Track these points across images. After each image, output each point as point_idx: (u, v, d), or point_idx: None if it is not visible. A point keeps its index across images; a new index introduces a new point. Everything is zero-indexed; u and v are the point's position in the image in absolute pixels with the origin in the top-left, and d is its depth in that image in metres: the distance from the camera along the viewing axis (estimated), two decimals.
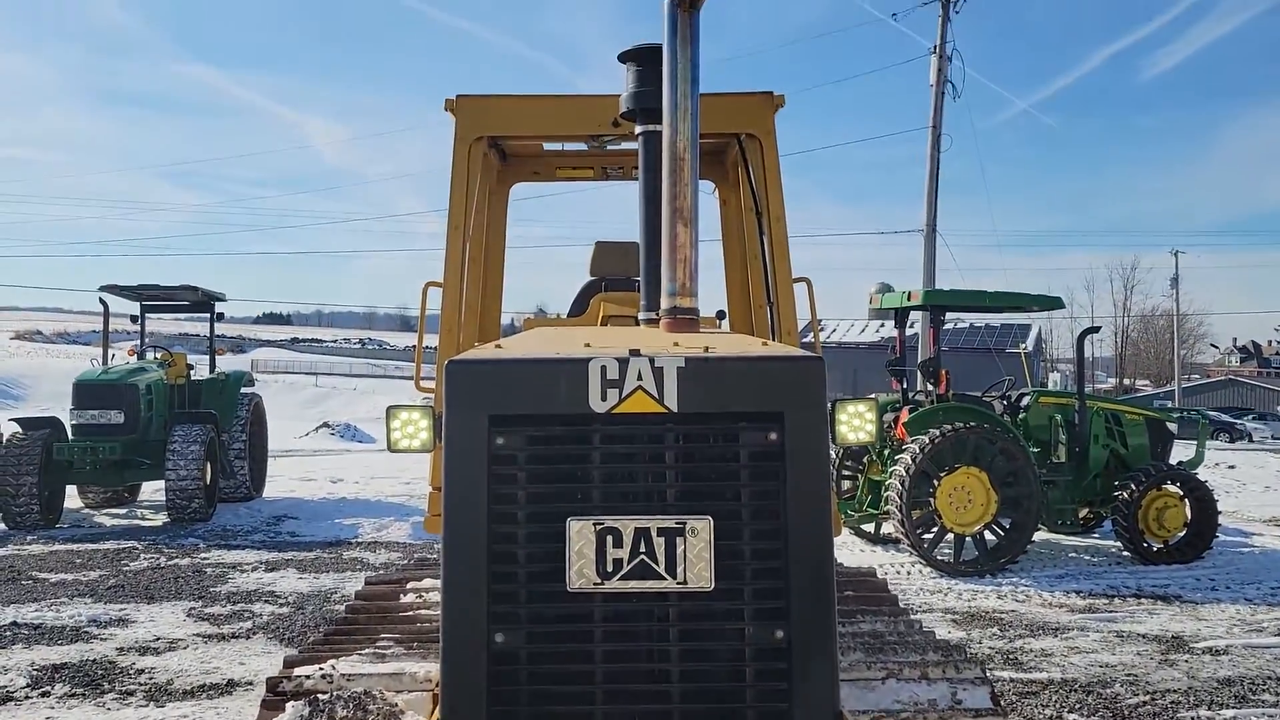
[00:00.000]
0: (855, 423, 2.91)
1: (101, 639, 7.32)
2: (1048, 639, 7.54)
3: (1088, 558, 11.10)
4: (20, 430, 12.79)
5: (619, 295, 5.37)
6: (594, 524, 2.58)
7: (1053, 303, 11.92)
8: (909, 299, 11.47)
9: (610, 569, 2.58)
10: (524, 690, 2.57)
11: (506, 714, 2.55)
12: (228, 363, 30.05)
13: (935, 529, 10.19)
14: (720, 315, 5.53)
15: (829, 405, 2.82)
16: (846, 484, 11.86)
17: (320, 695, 3.30)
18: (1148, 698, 6.07)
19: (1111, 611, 8.52)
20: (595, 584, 2.57)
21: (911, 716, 3.31)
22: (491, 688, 2.55)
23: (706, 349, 2.77)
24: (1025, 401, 11.54)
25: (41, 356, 59.14)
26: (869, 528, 11.75)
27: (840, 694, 3.29)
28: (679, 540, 2.58)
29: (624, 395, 2.63)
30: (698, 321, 3.73)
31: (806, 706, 2.57)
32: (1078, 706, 5.88)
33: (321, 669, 3.43)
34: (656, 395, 2.64)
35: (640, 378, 2.64)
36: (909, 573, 10.18)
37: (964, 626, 7.94)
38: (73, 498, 14.08)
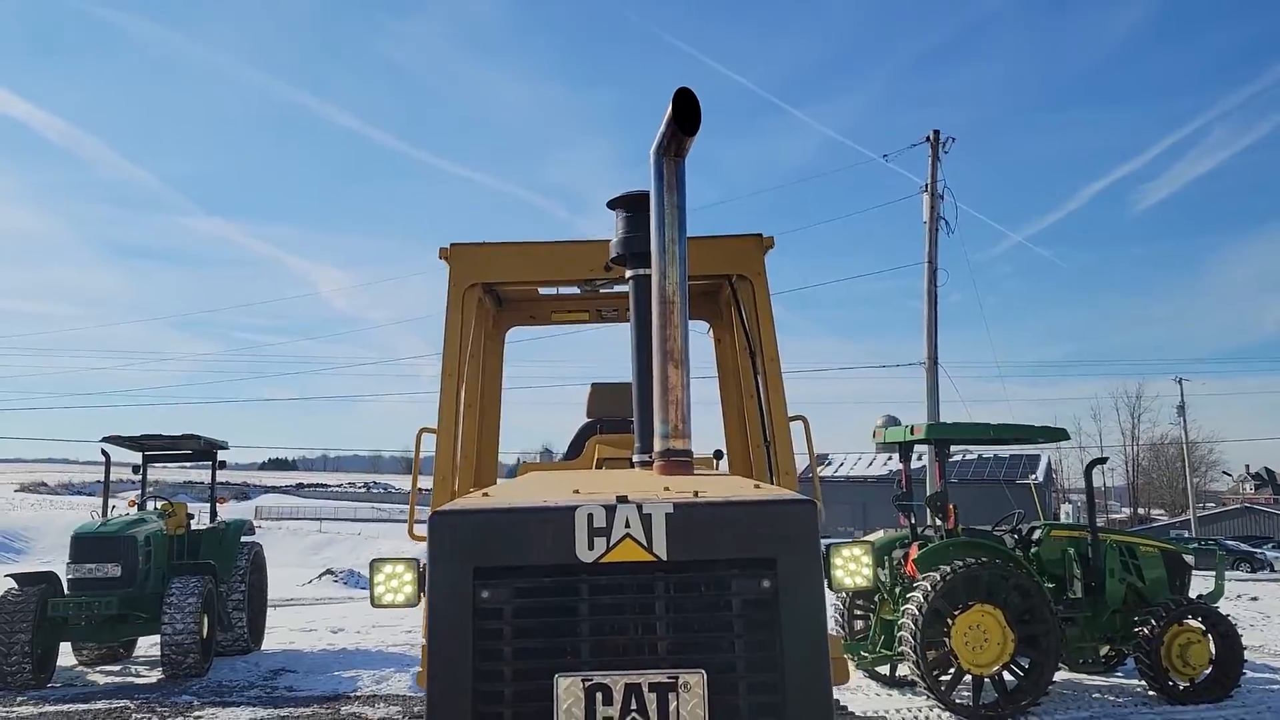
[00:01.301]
0: (851, 567, 2.83)
1: None
2: None
3: (1113, 698, 10.71)
4: (16, 587, 12.57)
5: (614, 437, 5.34)
6: (583, 680, 2.48)
7: (1057, 434, 11.83)
8: (912, 433, 11.40)
9: None
10: None
11: None
12: (232, 510, 29.84)
13: (952, 670, 9.86)
14: (718, 455, 5.48)
15: (823, 549, 2.75)
16: (859, 624, 11.56)
17: None
18: None
19: None
20: None
21: None
22: None
23: (696, 493, 2.72)
24: (1037, 535, 11.34)
25: (46, 509, 58.90)
26: (884, 669, 11.38)
27: None
28: (671, 696, 2.48)
29: (611, 544, 2.57)
30: (691, 462, 3.69)
31: None
32: None
33: None
34: (645, 543, 2.57)
35: (628, 525, 2.58)
36: (927, 718, 9.80)
37: None
38: (66, 655, 13.74)
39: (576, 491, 2.84)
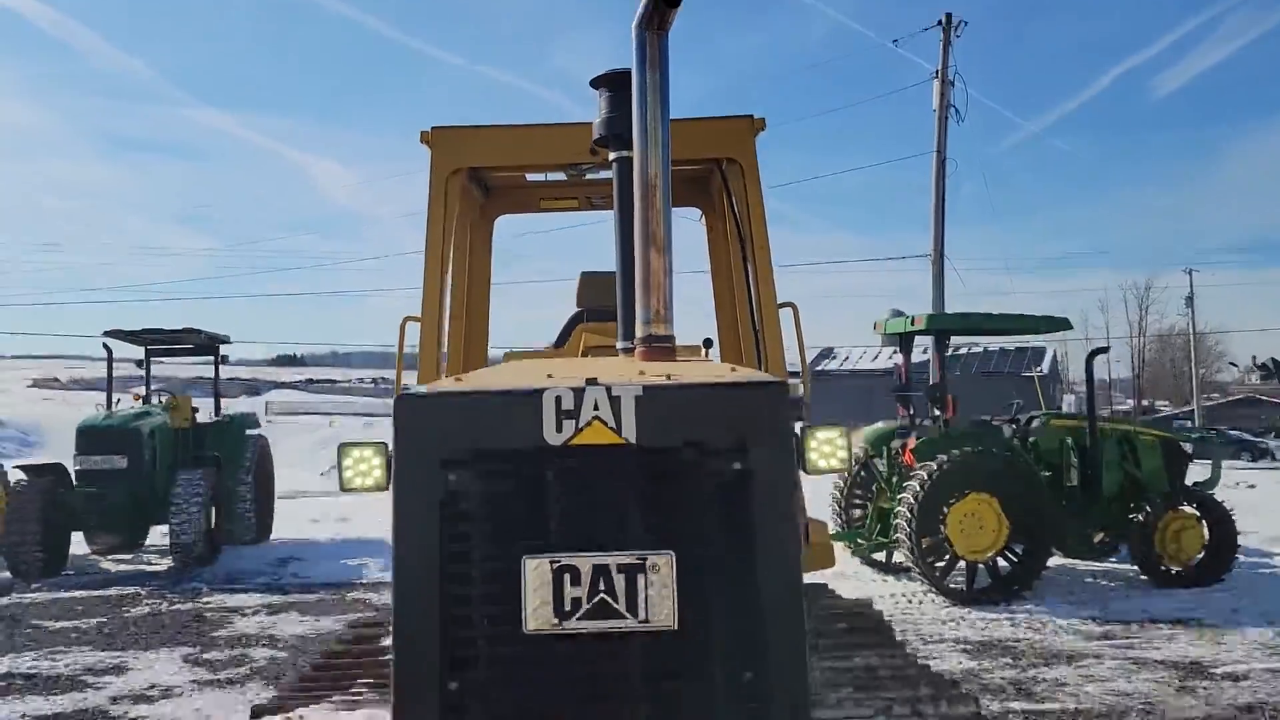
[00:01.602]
0: (825, 449, 2.80)
1: (96, 688, 7.21)
2: (1062, 668, 7.34)
3: (1104, 583, 10.87)
4: (25, 478, 12.75)
5: (600, 325, 5.28)
6: (550, 562, 2.47)
7: (1060, 324, 11.76)
8: (913, 324, 11.34)
9: (568, 609, 2.47)
10: None
11: None
12: (242, 406, 30.07)
13: (946, 557, 10.00)
14: (707, 344, 5.43)
15: (798, 432, 2.71)
16: (857, 512, 11.69)
17: None
18: None
19: (1128, 638, 8.31)
20: (553, 625, 2.46)
21: None
22: None
23: (669, 376, 2.67)
24: (1035, 425, 11.36)
25: (58, 404, 59.33)
26: (879, 556, 11.54)
27: None
28: (640, 577, 2.47)
29: (580, 427, 2.53)
30: (673, 349, 3.63)
31: None
32: None
33: (289, 718, 3.31)
34: (614, 426, 2.54)
35: (597, 408, 2.54)
36: (920, 602, 9.98)
37: (976, 657, 7.75)
38: (80, 545, 14.02)
39: (550, 376, 2.79)
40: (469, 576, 2.49)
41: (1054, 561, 11.01)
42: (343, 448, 2.85)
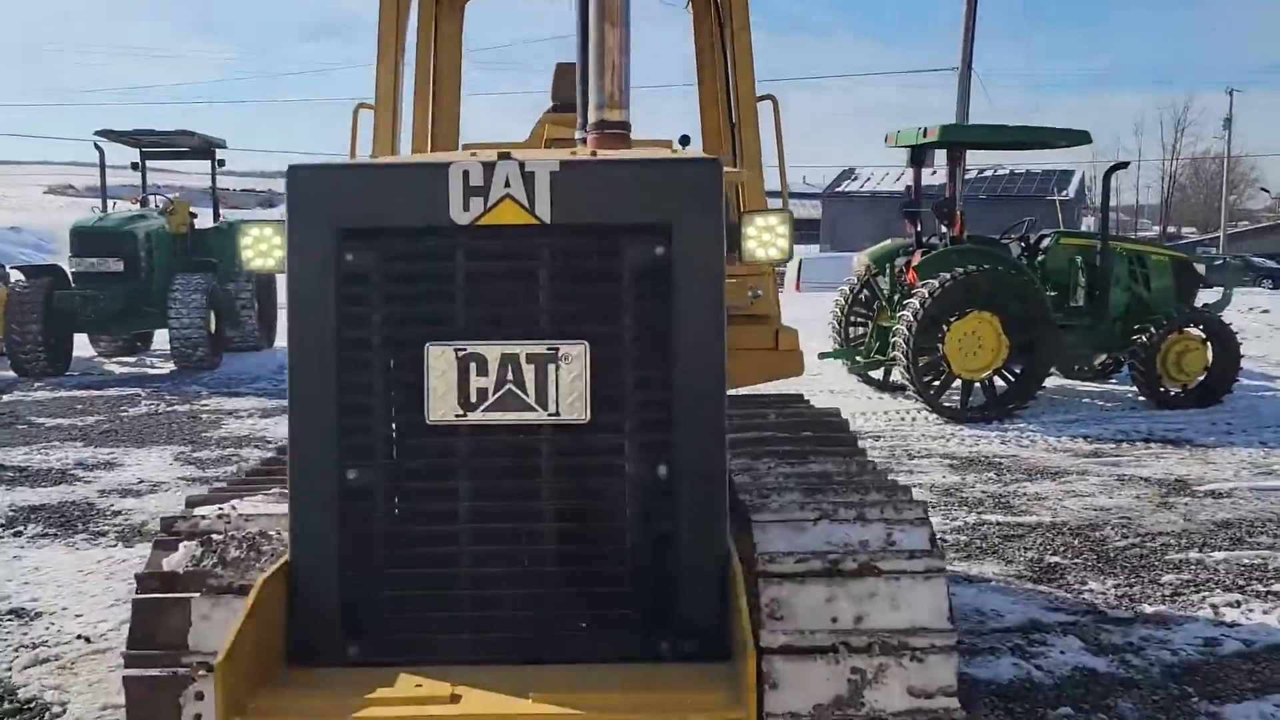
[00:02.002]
0: (765, 238, 2.58)
1: (85, 481, 7.31)
2: (1045, 483, 7.32)
3: (1101, 403, 10.81)
4: (23, 278, 12.72)
5: (564, 116, 4.97)
6: (455, 350, 2.31)
7: (1080, 137, 11.25)
8: (925, 135, 10.86)
9: (474, 400, 2.32)
10: (380, 531, 2.35)
11: (361, 556, 2.34)
12: (257, 216, 29.81)
13: (943, 375, 9.90)
14: (684, 141, 5.14)
15: (736, 217, 2.49)
16: (857, 330, 11.55)
17: (215, 536, 3.12)
18: (1137, 540, 5.86)
19: (1117, 456, 8.27)
20: (458, 416, 2.32)
21: (840, 558, 3.08)
22: (344, 528, 2.33)
23: (595, 154, 2.44)
24: (1045, 243, 11.05)
25: (74, 211, 59.13)
26: (877, 375, 11.47)
27: (769, 538, 3.08)
28: (550, 368, 2.31)
29: (489, 205, 2.32)
30: (628, 136, 3.38)
31: (692, 548, 2.33)
32: (1062, 549, 5.68)
33: (220, 509, 3.25)
34: (527, 204, 2.32)
35: (508, 184, 2.32)
36: (914, 419, 9.96)
37: (960, 471, 7.74)
38: (86, 348, 14.14)
39: (473, 156, 2.56)
40: (368, 363, 2.34)
41: (1054, 382, 10.93)
42: (241, 226, 2.64)
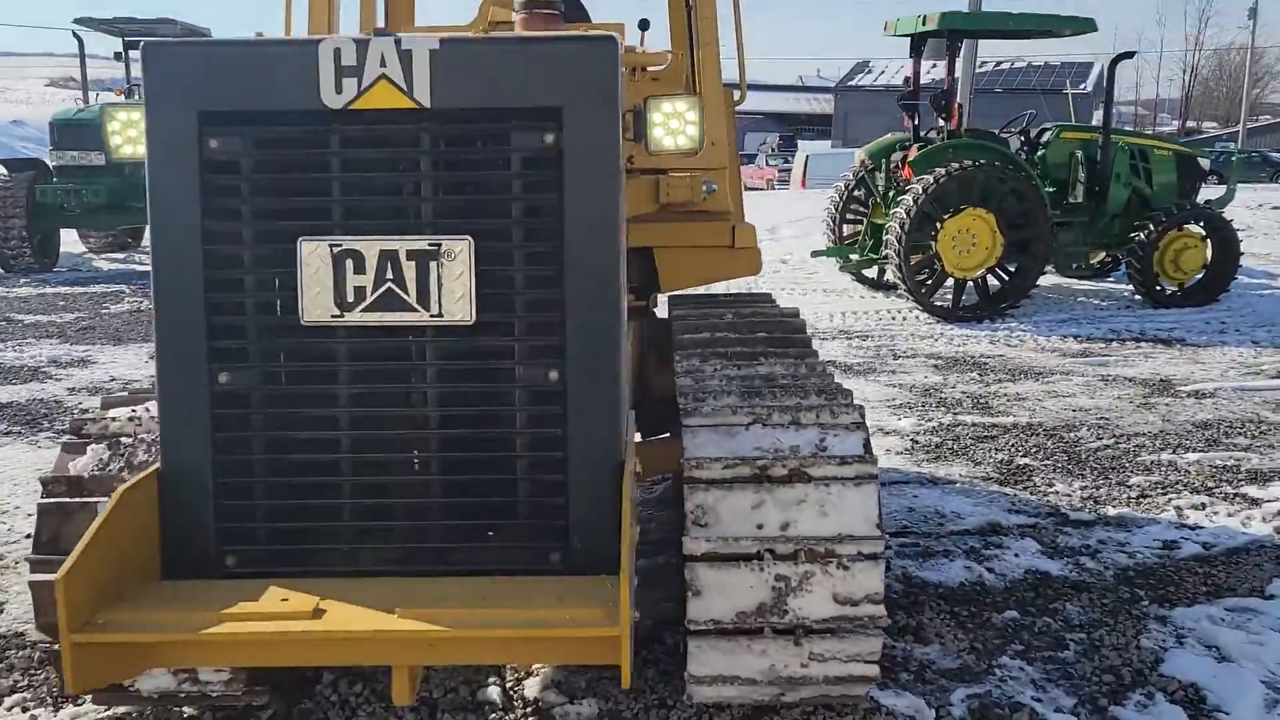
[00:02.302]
0: (673, 125, 2.39)
1: (56, 379, 7.25)
2: (1027, 383, 7.19)
3: (1095, 302, 10.61)
4: (5, 172, 12.52)
5: None
6: (330, 246, 2.16)
7: (1085, 25, 10.80)
8: (925, 23, 10.44)
9: (351, 299, 2.18)
10: (257, 437, 2.23)
11: (236, 464, 2.24)
12: None
13: (936, 273, 9.69)
14: (643, 25, 4.86)
15: (634, 103, 2.30)
16: (851, 228, 11.30)
17: (124, 439, 3.02)
18: (1112, 441, 5.75)
19: (1105, 356, 8.12)
20: (334, 316, 2.18)
21: (770, 463, 2.97)
22: (217, 435, 2.22)
23: (485, 31, 2.24)
24: (1046, 138, 10.71)
25: (75, 104, 58.19)
26: (871, 273, 11.26)
27: (698, 443, 2.97)
28: (433, 265, 2.17)
29: (364, 87, 2.14)
30: (557, 17, 3.17)
31: (583, 457, 2.22)
32: (1033, 450, 5.58)
33: (133, 411, 3.14)
34: (405, 87, 2.14)
35: (384, 64, 2.14)
36: (904, 318, 9.80)
37: (943, 371, 7.61)
38: (77, 243, 14.00)
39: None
40: (238, 259, 2.20)
41: (1049, 280, 10.72)
42: (108, 110, 2.47)
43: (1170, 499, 4.83)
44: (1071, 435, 5.87)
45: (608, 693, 3.07)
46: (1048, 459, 5.46)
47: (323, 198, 2.18)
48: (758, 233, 4.59)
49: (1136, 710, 3.06)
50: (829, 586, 2.91)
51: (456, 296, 2.17)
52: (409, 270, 2.16)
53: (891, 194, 10.46)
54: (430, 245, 2.16)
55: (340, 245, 2.16)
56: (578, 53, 2.19)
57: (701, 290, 4.92)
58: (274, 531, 2.24)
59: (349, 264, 2.16)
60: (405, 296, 2.17)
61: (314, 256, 2.16)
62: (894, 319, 9.80)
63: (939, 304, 9.76)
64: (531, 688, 3.08)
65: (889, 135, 11.39)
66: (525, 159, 2.18)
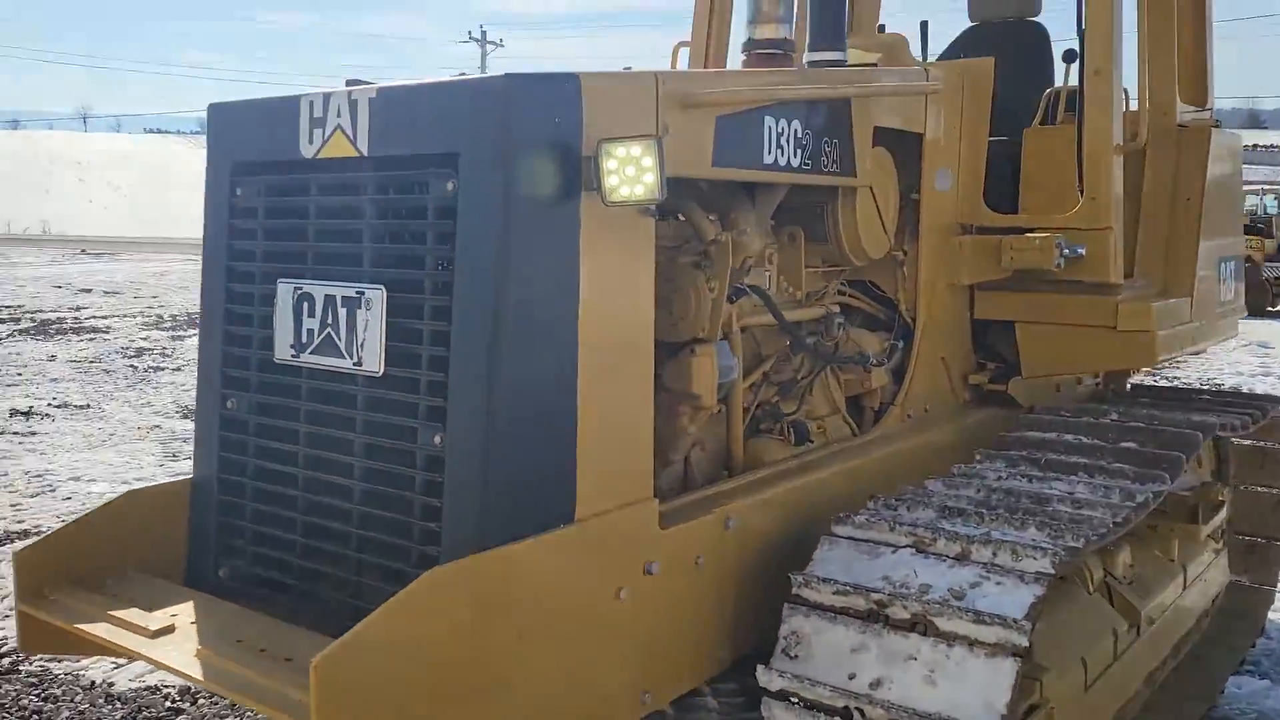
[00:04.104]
0: (628, 173, 1.99)
1: None
2: None
3: None
4: None
5: None
6: (294, 288, 2.26)
7: None
8: None
9: (304, 340, 2.25)
10: (248, 462, 2.41)
11: (232, 484, 2.43)
12: None
13: None
14: (1068, 57, 3.95)
15: (595, 150, 2.00)
16: None
17: None
18: None
19: None
20: (292, 356, 2.27)
21: (888, 600, 2.33)
22: (224, 454, 2.43)
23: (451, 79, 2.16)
24: None
25: None
26: None
27: (829, 556, 2.50)
28: (359, 312, 2.14)
29: (325, 138, 2.21)
30: (781, 58, 2.93)
31: (450, 542, 1.99)
32: None
33: None
34: (350, 136, 2.16)
35: (339, 114, 2.18)
36: None
37: None
38: None
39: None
40: (247, 296, 2.39)
41: None
42: None
43: None
44: None
45: None
46: None
47: (294, 242, 2.28)
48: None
49: None
50: None
51: (372, 345, 2.12)
52: (343, 316, 2.16)
53: None
54: (356, 292, 2.14)
55: (300, 288, 2.24)
56: (468, 97, 2.00)
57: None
58: (253, 553, 2.39)
59: (305, 306, 2.23)
60: (338, 342, 2.18)
61: (285, 297, 2.27)
62: None
63: None
64: None
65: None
66: (435, 208, 2.04)
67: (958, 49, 4.55)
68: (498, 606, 1.92)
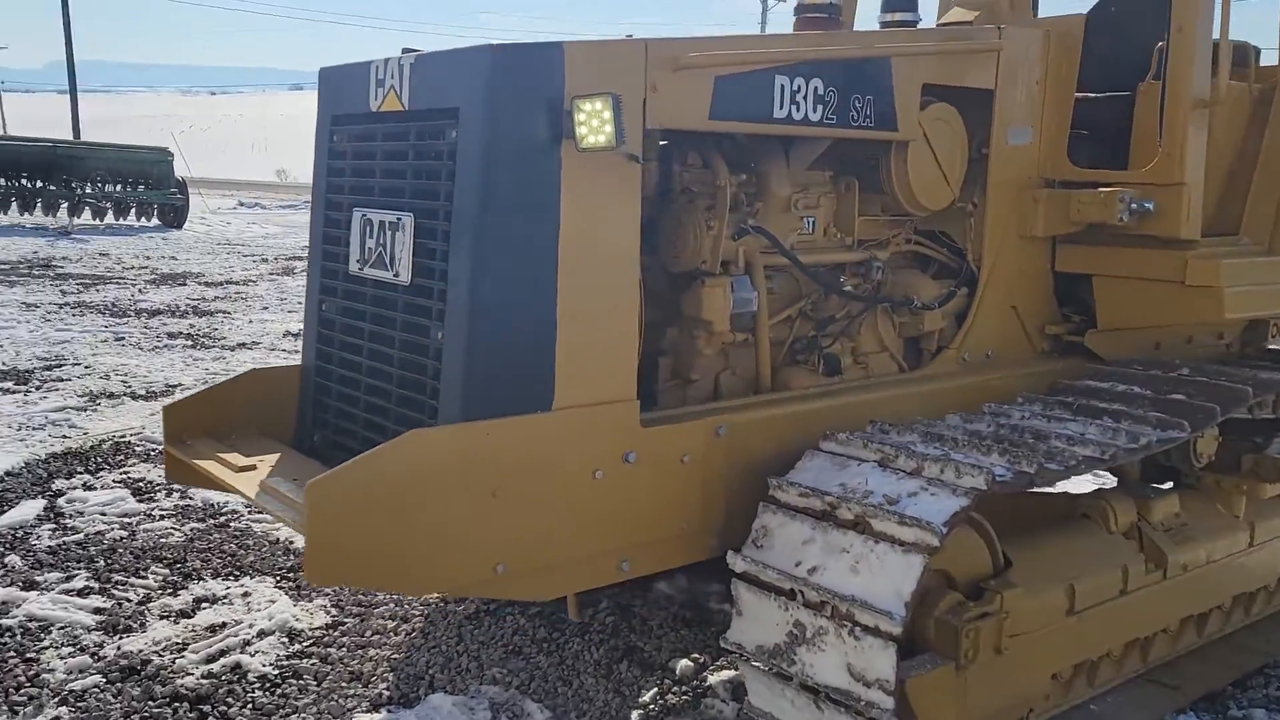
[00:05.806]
0: (592, 124, 2.40)
1: None
2: None
3: None
4: None
5: None
6: (362, 216, 2.85)
7: None
8: None
9: (367, 256, 2.84)
10: (333, 352, 3.04)
11: (324, 370, 3.07)
12: None
13: None
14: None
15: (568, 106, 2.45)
16: None
17: None
18: None
19: None
20: (358, 269, 2.87)
21: (838, 502, 2.66)
22: (320, 344, 3.08)
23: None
24: None
25: None
26: None
27: (806, 465, 2.86)
28: (397, 235, 2.70)
29: (384, 95, 2.77)
30: (829, 20, 3.28)
31: (446, 416, 2.52)
32: None
33: None
34: (399, 94, 2.71)
35: (394, 76, 2.73)
36: None
37: None
38: None
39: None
40: (336, 221, 3.01)
41: None
42: None
43: None
44: None
45: None
46: None
47: (368, 179, 2.87)
48: None
49: None
50: (841, 652, 2.53)
51: (404, 261, 2.67)
52: (389, 237, 2.73)
53: None
54: (396, 219, 2.70)
55: (365, 215, 2.83)
56: (465, 62, 2.48)
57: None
58: (334, 424, 3.04)
59: (367, 229, 2.82)
60: (386, 258, 2.75)
61: (358, 222, 2.87)
62: None
63: None
64: None
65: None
66: (445, 151, 2.56)
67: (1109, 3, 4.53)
68: (473, 464, 2.42)
